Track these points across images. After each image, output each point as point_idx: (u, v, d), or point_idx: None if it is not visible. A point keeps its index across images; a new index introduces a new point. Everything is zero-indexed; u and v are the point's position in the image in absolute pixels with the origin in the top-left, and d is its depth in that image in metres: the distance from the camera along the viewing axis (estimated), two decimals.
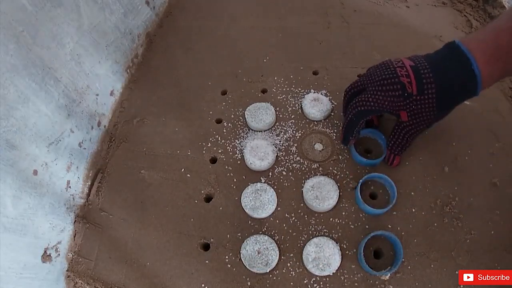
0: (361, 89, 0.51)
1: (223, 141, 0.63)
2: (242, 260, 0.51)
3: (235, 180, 0.59)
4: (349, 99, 0.53)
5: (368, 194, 0.55)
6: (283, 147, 0.61)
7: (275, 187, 0.57)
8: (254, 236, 0.52)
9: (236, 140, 0.63)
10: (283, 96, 0.67)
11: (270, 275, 0.50)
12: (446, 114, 0.47)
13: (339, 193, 0.54)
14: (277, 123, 0.64)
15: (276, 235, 0.53)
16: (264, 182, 0.57)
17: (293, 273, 0.50)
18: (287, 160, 0.59)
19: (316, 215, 0.54)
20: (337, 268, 0.49)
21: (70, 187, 0.57)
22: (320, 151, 0.60)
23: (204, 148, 0.63)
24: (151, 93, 0.72)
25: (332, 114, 0.64)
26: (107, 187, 0.61)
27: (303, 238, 0.52)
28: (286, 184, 0.57)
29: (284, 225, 0.54)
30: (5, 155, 0.45)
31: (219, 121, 0.66)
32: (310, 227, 0.53)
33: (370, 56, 0.71)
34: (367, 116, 0.49)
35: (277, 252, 0.51)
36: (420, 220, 0.52)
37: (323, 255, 0.49)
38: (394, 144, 0.52)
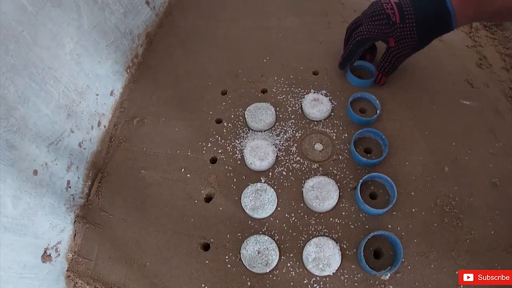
0: (358, 25, 0.62)
1: (223, 141, 0.63)
2: (242, 260, 0.51)
3: (235, 180, 0.59)
4: (349, 35, 0.64)
5: (368, 194, 0.55)
6: (283, 147, 0.61)
7: (275, 187, 0.57)
8: (254, 236, 0.52)
9: (236, 140, 0.63)
10: (283, 96, 0.67)
11: (270, 275, 0.50)
12: (426, 42, 0.57)
13: (339, 193, 0.54)
14: (277, 123, 0.64)
15: (276, 235, 0.53)
16: (264, 182, 0.57)
17: (293, 273, 0.50)
18: (287, 160, 0.59)
19: (316, 215, 0.54)
20: (337, 268, 0.49)
21: (70, 187, 0.57)
22: (320, 151, 0.60)
23: (204, 148, 0.63)
24: (151, 93, 0.72)
25: (332, 114, 0.64)
26: (107, 187, 0.61)
27: (303, 238, 0.52)
28: (286, 184, 0.57)
29: (284, 225, 0.54)
30: (5, 155, 0.45)
31: (219, 121, 0.66)
32: (310, 227, 0.53)
33: None
34: (364, 44, 0.60)
35: (277, 252, 0.51)
36: (420, 220, 0.52)
37: (323, 255, 0.49)
38: (383, 66, 0.61)
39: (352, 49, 0.61)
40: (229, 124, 0.65)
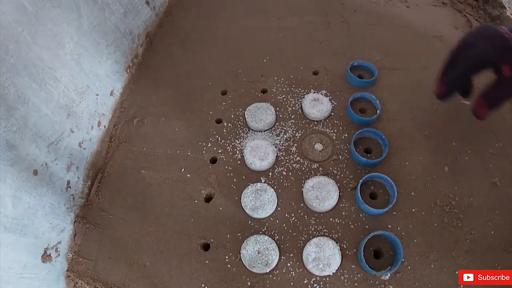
0: (469, 47, 0.51)
1: (223, 141, 0.63)
2: (242, 260, 0.51)
3: (235, 180, 0.59)
4: (456, 57, 0.52)
5: (368, 194, 0.55)
6: (283, 147, 0.61)
7: (275, 187, 0.57)
8: (254, 236, 0.52)
9: (236, 140, 0.63)
10: (283, 96, 0.67)
11: (270, 275, 0.50)
12: None
13: (339, 193, 0.54)
14: (277, 123, 0.64)
15: (276, 235, 0.53)
16: (264, 182, 0.57)
17: (293, 273, 0.50)
18: (287, 160, 0.59)
19: (316, 215, 0.54)
20: (337, 268, 0.49)
21: (70, 187, 0.57)
22: (320, 151, 0.60)
23: (204, 148, 0.63)
24: (151, 93, 0.72)
25: (332, 114, 0.64)
26: (107, 187, 0.61)
27: (303, 238, 0.52)
28: (286, 184, 0.57)
29: (284, 225, 0.54)
30: (5, 155, 0.45)
31: (219, 121, 0.66)
32: (310, 227, 0.53)
33: (370, 56, 0.71)
34: (477, 70, 0.50)
35: (277, 252, 0.51)
36: (420, 220, 0.52)
37: (323, 255, 0.49)
38: (492, 95, 0.49)
39: (463, 73, 0.50)
40: (229, 124, 0.65)
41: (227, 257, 0.52)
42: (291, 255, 0.51)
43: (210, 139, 0.64)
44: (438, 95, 0.54)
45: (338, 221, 0.53)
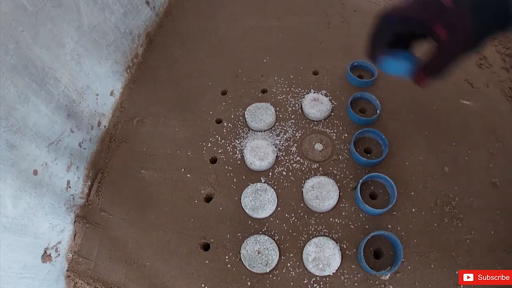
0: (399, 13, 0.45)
1: (223, 141, 0.63)
2: (242, 260, 0.51)
3: (235, 180, 0.59)
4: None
5: (368, 194, 0.55)
6: (283, 147, 0.61)
7: (275, 187, 0.57)
8: (254, 236, 0.52)
9: (236, 140, 0.63)
10: (283, 96, 0.67)
11: (270, 275, 0.50)
12: (483, 36, 0.41)
13: (339, 193, 0.54)
14: (277, 123, 0.64)
15: (276, 235, 0.53)
16: (264, 182, 0.57)
17: (293, 273, 0.50)
18: (287, 160, 0.59)
19: (316, 215, 0.54)
20: (337, 268, 0.49)
21: (70, 187, 0.57)
22: (320, 151, 0.60)
23: (204, 148, 0.63)
24: (151, 93, 0.72)
25: (332, 114, 0.64)
26: (107, 187, 0.61)
27: (303, 238, 0.52)
28: (286, 184, 0.57)
29: (284, 225, 0.54)
30: (5, 155, 0.45)
31: (219, 121, 0.66)
32: (310, 227, 0.53)
33: None
34: (397, 24, 0.44)
35: (277, 252, 0.51)
36: (420, 220, 0.52)
37: (323, 255, 0.49)
38: (430, 64, 0.44)
39: (381, 29, 0.45)
40: (229, 124, 0.65)
41: (227, 257, 0.52)
42: (291, 255, 0.51)
43: (210, 139, 0.64)
44: (368, 54, 0.48)
45: (338, 221, 0.53)
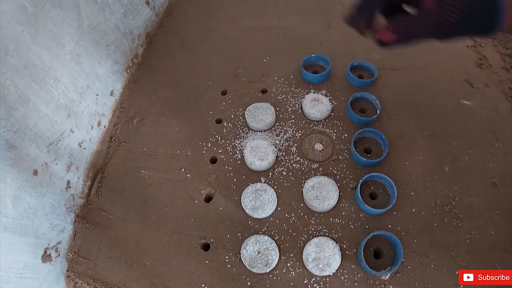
0: None
1: (223, 141, 0.63)
2: (242, 260, 0.51)
3: (235, 180, 0.59)
4: None
5: (368, 194, 0.55)
6: (283, 147, 0.61)
7: (275, 187, 0.57)
8: (254, 236, 0.52)
9: (236, 140, 0.63)
10: (283, 96, 0.67)
11: (270, 275, 0.50)
12: (468, 23, 0.36)
13: (339, 193, 0.54)
14: (277, 123, 0.64)
15: (276, 235, 0.53)
16: (264, 182, 0.57)
17: (293, 273, 0.50)
18: (287, 160, 0.59)
19: (316, 215, 0.54)
20: (337, 268, 0.49)
21: (70, 187, 0.57)
22: (320, 151, 0.60)
23: (204, 148, 0.63)
24: (151, 93, 0.72)
25: (332, 114, 0.64)
26: (107, 187, 0.61)
27: (303, 238, 0.52)
28: (286, 184, 0.57)
29: (284, 225, 0.54)
30: (5, 155, 0.45)
31: (219, 121, 0.66)
32: (310, 227, 0.53)
33: (370, 56, 0.70)
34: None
35: (277, 252, 0.51)
36: (420, 220, 0.52)
37: (323, 255, 0.49)
38: (403, 22, 0.40)
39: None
40: (229, 124, 0.65)
41: (227, 257, 0.52)
42: (291, 255, 0.51)
43: (210, 139, 0.64)
44: (347, 20, 0.45)
45: (338, 221, 0.53)
